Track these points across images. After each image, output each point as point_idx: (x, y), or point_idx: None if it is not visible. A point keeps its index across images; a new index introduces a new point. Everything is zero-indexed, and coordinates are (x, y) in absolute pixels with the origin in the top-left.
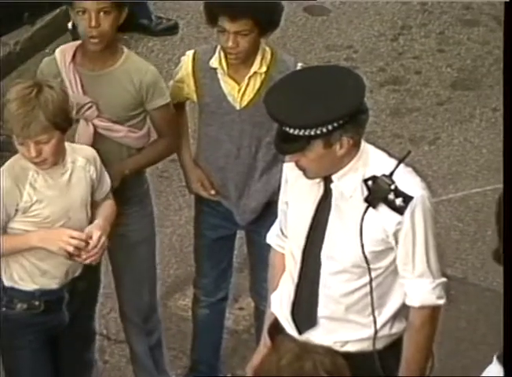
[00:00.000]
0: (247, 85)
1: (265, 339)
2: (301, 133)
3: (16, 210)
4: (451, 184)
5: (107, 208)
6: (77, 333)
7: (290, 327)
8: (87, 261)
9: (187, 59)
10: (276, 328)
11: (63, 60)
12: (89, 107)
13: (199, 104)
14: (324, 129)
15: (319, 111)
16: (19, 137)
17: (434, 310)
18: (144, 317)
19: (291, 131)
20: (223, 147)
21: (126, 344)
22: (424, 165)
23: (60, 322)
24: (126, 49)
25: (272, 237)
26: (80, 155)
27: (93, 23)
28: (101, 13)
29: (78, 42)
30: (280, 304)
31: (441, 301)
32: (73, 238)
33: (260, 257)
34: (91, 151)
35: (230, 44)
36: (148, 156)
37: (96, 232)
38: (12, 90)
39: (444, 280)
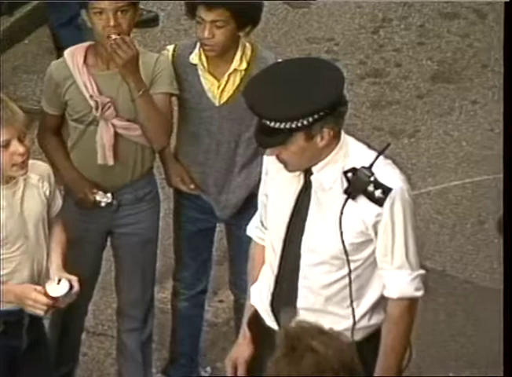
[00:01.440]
0: (227, 81)
1: (245, 331)
2: (282, 125)
3: None
4: (431, 177)
5: (62, 240)
6: (35, 359)
7: (269, 319)
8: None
9: (167, 53)
10: (256, 320)
11: (74, 62)
12: (109, 107)
13: (179, 100)
14: (305, 122)
15: (300, 104)
16: None
17: (412, 302)
18: (144, 313)
19: (272, 124)
20: (202, 142)
21: (104, 337)
22: (403, 158)
23: (18, 346)
24: (136, 45)
25: (252, 229)
26: (33, 172)
27: (112, 23)
28: (118, 13)
29: (86, 44)
30: (260, 296)
31: (419, 293)
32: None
33: (239, 250)
34: (45, 167)
35: (206, 34)
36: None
37: (74, 279)
38: None
39: (422, 272)
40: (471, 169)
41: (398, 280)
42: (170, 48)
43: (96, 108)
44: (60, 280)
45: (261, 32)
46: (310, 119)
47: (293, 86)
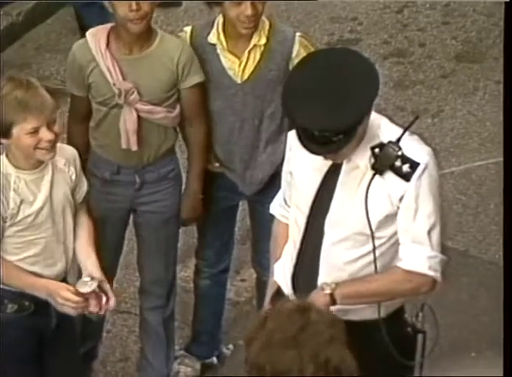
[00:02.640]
0: (248, 58)
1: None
2: (340, 136)
3: (5, 219)
4: (454, 158)
5: (91, 230)
6: (63, 338)
7: (291, 295)
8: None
9: (185, 36)
10: (279, 297)
11: (97, 46)
12: (132, 93)
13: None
14: (358, 125)
15: (352, 111)
16: None
17: (422, 279)
18: (167, 291)
19: (327, 134)
20: (226, 121)
21: (128, 314)
22: (427, 138)
23: (47, 326)
24: (159, 30)
25: (275, 207)
26: (60, 156)
27: (134, 7)
28: None
29: (108, 25)
30: (283, 273)
31: (432, 273)
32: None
33: (262, 227)
34: (71, 151)
35: (250, 12)
36: (197, 154)
37: (105, 284)
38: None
39: (442, 256)
40: (495, 149)
41: (414, 253)
42: (188, 29)
43: (119, 95)
44: (92, 278)
45: (284, 12)
46: (361, 121)
47: (337, 92)
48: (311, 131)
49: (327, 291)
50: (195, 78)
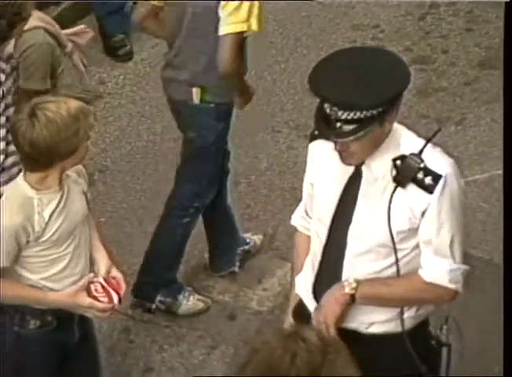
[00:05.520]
0: None
1: (290, 320)
2: (362, 114)
3: (28, 241)
4: (478, 165)
5: (100, 233)
6: (85, 353)
7: (312, 307)
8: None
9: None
10: (301, 309)
11: None
12: None
13: None
14: (381, 109)
15: (377, 90)
16: None
17: (442, 291)
18: None
19: (346, 115)
20: None
21: (150, 324)
22: (450, 145)
23: (70, 340)
24: None
25: (296, 218)
26: (70, 170)
27: None
28: None
29: None
30: (305, 285)
31: (453, 286)
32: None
33: None
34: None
35: None
36: None
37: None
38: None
39: (464, 267)
40: None
41: (436, 265)
42: None
43: None
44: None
45: (306, 19)
46: (385, 107)
47: (365, 73)
48: (329, 108)
49: (349, 291)
50: None
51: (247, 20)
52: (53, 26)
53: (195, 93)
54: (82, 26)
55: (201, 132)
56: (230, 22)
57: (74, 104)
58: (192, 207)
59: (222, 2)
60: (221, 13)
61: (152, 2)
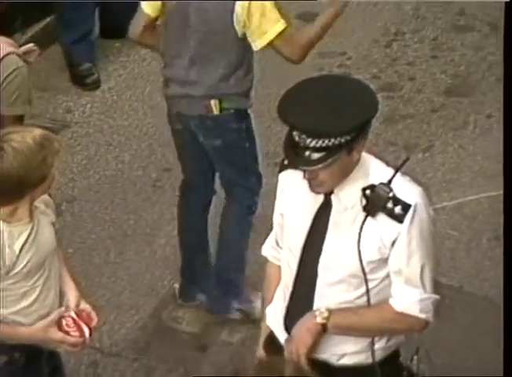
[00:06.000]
0: None
1: (260, 353)
2: (330, 142)
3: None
4: (446, 192)
5: (68, 265)
6: None
7: (283, 339)
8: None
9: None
10: (271, 341)
11: None
12: None
13: None
14: (349, 137)
15: (345, 117)
16: None
17: (413, 321)
18: None
19: (315, 143)
20: None
21: (118, 358)
22: (418, 172)
23: (39, 376)
24: None
25: (267, 249)
26: (38, 201)
27: None
28: None
29: None
30: (276, 317)
31: (424, 316)
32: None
33: None
34: (45, 195)
35: None
36: None
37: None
38: None
39: (435, 296)
40: (487, 183)
41: (406, 296)
42: None
43: None
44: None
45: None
46: (353, 134)
47: (334, 101)
48: (298, 136)
49: (320, 321)
50: None
51: (280, 18)
52: (18, 49)
53: (214, 106)
54: (31, 44)
55: (228, 138)
56: (264, 30)
57: (37, 132)
58: (253, 204)
59: (240, 20)
60: (248, 28)
61: (147, 13)
